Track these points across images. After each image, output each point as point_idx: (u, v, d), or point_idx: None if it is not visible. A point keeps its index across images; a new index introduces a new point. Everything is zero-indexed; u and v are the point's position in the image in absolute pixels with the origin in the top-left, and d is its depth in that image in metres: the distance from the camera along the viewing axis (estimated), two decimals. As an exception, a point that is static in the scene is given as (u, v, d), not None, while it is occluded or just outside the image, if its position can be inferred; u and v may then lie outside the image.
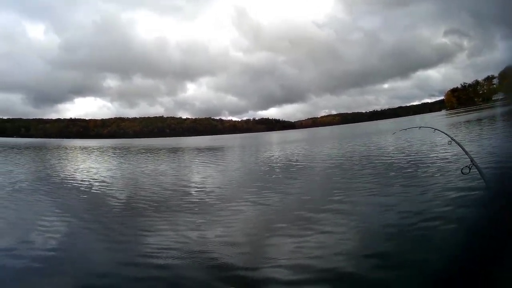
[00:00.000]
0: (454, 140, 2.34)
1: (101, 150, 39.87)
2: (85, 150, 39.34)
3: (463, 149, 2.12)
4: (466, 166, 1.88)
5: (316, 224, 5.63)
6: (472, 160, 1.87)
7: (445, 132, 2.63)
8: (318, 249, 4.50)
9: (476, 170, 1.73)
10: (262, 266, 4.11)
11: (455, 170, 8.00)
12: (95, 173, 15.22)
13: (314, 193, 8.48)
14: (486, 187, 1.41)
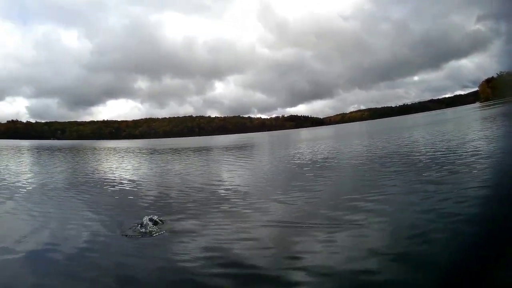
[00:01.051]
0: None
1: (132, 150, 40.45)
2: (117, 151, 40.20)
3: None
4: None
5: (344, 223, 5.66)
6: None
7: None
8: (345, 250, 4.53)
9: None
10: (289, 267, 4.12)
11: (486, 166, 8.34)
12: (127, 172, 15.89)
13: (342, 191, 8.40)
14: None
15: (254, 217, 6.58)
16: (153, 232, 5.90)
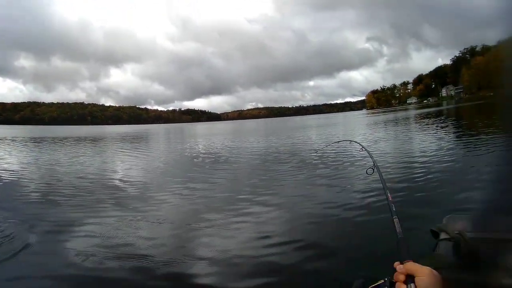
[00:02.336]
0: (364, 148, 3.07)
1: (12, 138, 36.50)
2: None
3: (370, 154, 2.59)
4: (370, 168, 2.18)
5: (242, 215, 5.71)
6: (374, 163, 2.17)
7: (360, 143, 2.89)
8: (243, 241, 4.57)
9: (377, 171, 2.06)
10: (187, 261, 4.00)
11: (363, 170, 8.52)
12: (6, 163, 14.15)
13: (236, 185, 8.48)
14: (382, 187, 1.67)
15: (147, 212, 6.23)
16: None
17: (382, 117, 53.60)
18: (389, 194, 1.52)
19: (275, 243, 4.40)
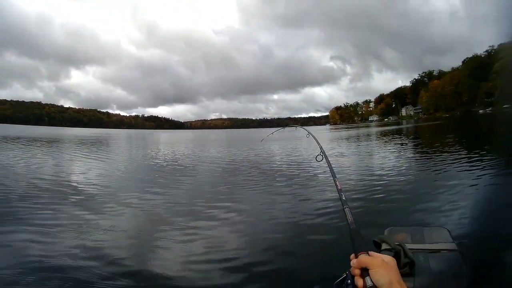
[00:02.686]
0: (311, 134, 3.20)
1: None
2: None
3: (317, 141, 2.71)
4: (319, 155, 2.24)
5: (203, 221, 5.78)
6: (321, 150, 2.28)
7: (306, 129, 2.98)
8: (206, 248, 4.57)
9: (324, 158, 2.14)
10: (147, 271, 3.87)
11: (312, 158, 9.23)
12: None
13: (201, 192, 8.57)
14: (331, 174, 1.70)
15: (98, 219, 6.01)
16: None
17: (345, 132, 54.75)
18: (337, 183, 1.52)
19: (230, 255, 4.33)
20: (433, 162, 11.47)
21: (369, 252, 1.06)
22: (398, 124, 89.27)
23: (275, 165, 13.74)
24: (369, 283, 0.99)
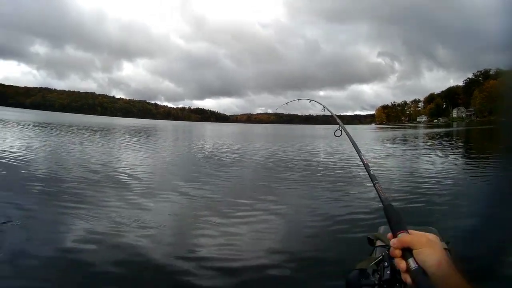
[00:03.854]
0: (326, 108, 2.85)
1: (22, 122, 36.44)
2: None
3: (335, 116, 2.38)
4: (338, 130, 2.11)
5: (240, 218, 5.70)
6: (340, 125, 2.11)
7: (320, 102, 2.94)
8: (238, 244, 4.53)
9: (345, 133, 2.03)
10: (182, 260, 3.93)
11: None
12: (16, 148, 13.75)
13: (242, 188, 8.61)
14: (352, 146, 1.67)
15: (152, 208, 6.17)
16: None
17: (391, 133, 53.36)
18: (363, 158, 1.45)
19: (272, 247, 4.41)
20: (480, 169, 11.01)
21: (409, 230, 0.96)
22: (448, 126, 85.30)
23: (316, 161, 13.88)
24: (413, 265, 0.89)
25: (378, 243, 1.42)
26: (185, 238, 4.70)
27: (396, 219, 1.01)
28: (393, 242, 0.95)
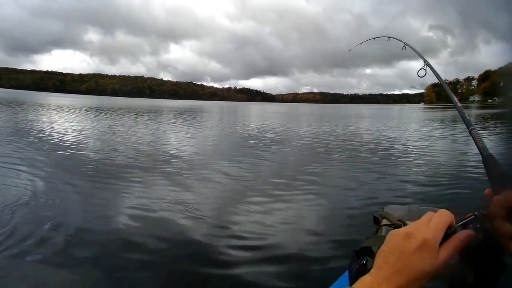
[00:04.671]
0: (408, 45, 1.99)
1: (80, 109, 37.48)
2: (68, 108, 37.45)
3: (419, 54, 2.07)
4: (422, 69, 1.85)
5: (283, 199, 5.65)
6: (425, 62, 1.86)
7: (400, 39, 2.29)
8: (280, 224, 4.49)
9: (430, 70, 1.82)
10: (229, 241, 3.94)
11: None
12: (73, 132, 14.34)
13: (283, 167, 8.48)
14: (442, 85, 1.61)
15: (197, 188, 6.30)
16: None
17: (440, 113, 50.88)
18: (455, 100, 1.28)
19: (309, 228, 4.37)
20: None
21: None
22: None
23: (361, 141, 13.56)
24: None
25: (384, 221, 1.39)
26: (224, 217, 4.75)
27: (499, 173, 0.85)
28: (497, 198, 0.75)
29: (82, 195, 5.39)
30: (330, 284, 1.95)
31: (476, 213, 0.81)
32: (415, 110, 70.58)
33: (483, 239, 0.79)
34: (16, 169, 6.78)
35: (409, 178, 7.22)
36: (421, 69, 1.82)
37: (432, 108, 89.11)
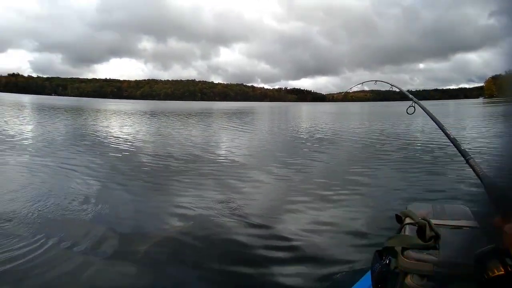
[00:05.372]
0: (395, 86, 2.75)
1: (134, 113, 39.91)
2: (123, 112, 39.95)
3: (405, 92, 2.37)
4: (410, 106, 2.03)
5: (332, 201, 5.60)
6: (413, 100, 2.07)
7: (387, 81, 2.45)
8: (327, 226, 4.47)
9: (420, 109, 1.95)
10: (265, 238, 4.04)
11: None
12: (129, 135, 15.22)
13: (337, 170, 8.32)
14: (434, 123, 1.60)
15: (245, 188, 6.39)
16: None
17: (501, 108, 47.73)
18: (447, 131, 1.38)
19: (360, 229, 4.34)
20: None
21: None
22: None
23: (416, 142, 13.11)
24: None
25: (407, 220, 1.37)
26: (268, 217, 4.72)
27: (505, 200, 0.84)
28: (509, 227, 0.72)
29: (133, 195, 5.70)
30: (353, 283, 2.08)
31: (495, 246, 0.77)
32: (473, 106, 66.50)
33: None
34: (73, 170, 7.34)
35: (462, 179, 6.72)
36: (410, 106, 2.05)
37: (492, 103, 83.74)
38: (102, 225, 4.27)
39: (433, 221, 1.27)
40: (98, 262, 3.38)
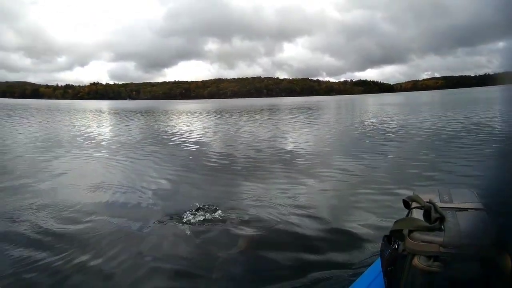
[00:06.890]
0: None
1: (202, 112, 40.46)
2: (191, 112, 41.23)
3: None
4: None
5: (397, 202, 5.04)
6: None
7: None
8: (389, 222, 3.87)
9: None
10: (331, 233, 3.97)
11: None
12: (195, 133, 15.81)
13: (400, 163, 8.06)
14: None
15: (310, 182, 6.38)
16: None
17: None
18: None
19: None
20: None
21: None
22: None
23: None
24: None
25: (414, 204, 1.42)
26: (336, 214, 4.67)
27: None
28: None
29: (202, 191, 5.90)
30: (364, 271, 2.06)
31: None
32: None
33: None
34: (151, 166, 7.96)
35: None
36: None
37: None
38: (169, 217, 4.45)
39: (440, 205, 1.32)
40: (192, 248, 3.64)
